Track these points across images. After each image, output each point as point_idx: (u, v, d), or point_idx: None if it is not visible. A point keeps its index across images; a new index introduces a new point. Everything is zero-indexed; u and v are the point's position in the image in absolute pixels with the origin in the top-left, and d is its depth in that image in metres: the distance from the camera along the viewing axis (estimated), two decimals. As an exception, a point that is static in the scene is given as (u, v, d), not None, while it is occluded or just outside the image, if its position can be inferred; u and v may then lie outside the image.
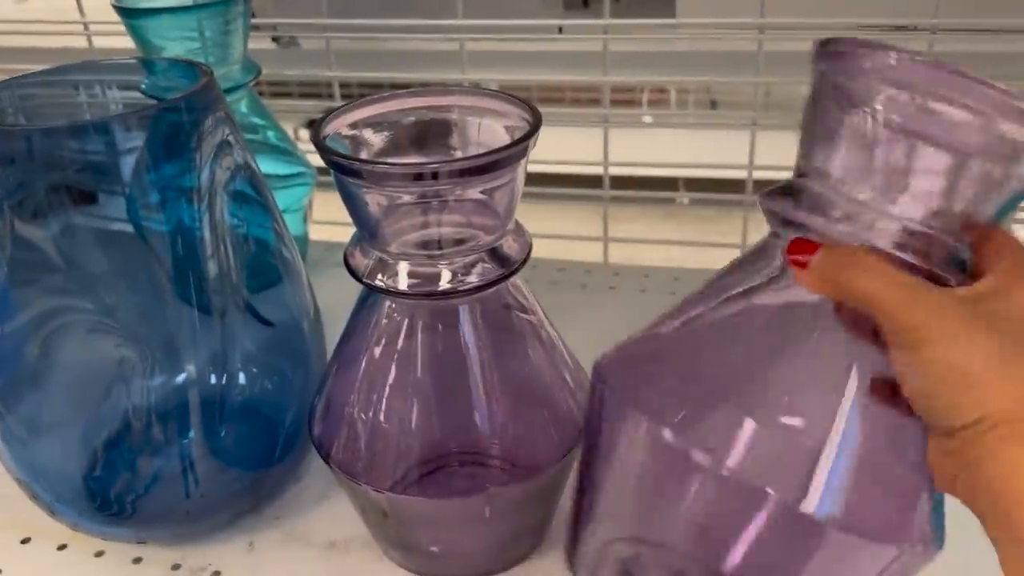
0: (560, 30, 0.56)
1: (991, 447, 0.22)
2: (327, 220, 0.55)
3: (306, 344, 0.39)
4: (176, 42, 0.48)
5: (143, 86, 0.39)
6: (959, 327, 0.22)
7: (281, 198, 0.54)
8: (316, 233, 0.57)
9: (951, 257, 0.24)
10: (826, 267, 0.23)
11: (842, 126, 0.23)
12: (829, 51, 0.24)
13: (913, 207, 0.23)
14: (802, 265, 0.24)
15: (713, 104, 1.91)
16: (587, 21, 0.53)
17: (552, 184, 0.60)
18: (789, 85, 0.53)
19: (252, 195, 0.37)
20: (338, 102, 0.58)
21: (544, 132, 0.29)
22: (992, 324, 0.22)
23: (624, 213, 0.64)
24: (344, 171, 0.28)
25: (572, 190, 0.60)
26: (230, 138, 0.34)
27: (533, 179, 0.36)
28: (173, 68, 0.38)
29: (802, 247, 0.24)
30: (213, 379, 0.35)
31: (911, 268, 0.23)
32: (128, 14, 0.47)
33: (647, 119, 1.24)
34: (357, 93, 0.61)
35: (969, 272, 0.24)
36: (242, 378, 0.38)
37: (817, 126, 0.24)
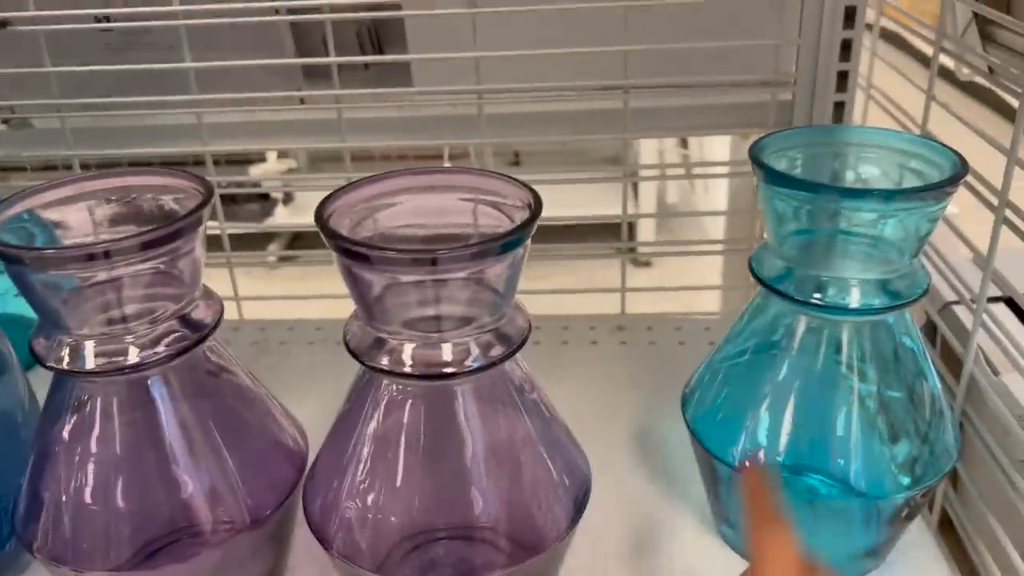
0: (302, 101, 0.59)
1: None
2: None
3: (22, 432, 0.39)
4: None
5: None
6: None
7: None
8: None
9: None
10: None
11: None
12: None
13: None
14: None
15: (516, 155, 2.00)
16: (324, 92, 0.56)
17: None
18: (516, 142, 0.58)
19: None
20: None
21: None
22: None
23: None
24: (10, 260, 0.29)
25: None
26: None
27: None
28: None
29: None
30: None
31: None
32: None
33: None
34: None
35: None
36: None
37: None
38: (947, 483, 0.45)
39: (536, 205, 0.29)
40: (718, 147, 1.55)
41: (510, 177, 0.30)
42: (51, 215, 0.32)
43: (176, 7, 0.52)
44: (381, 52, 0.66)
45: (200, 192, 0.31)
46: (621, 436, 0.46)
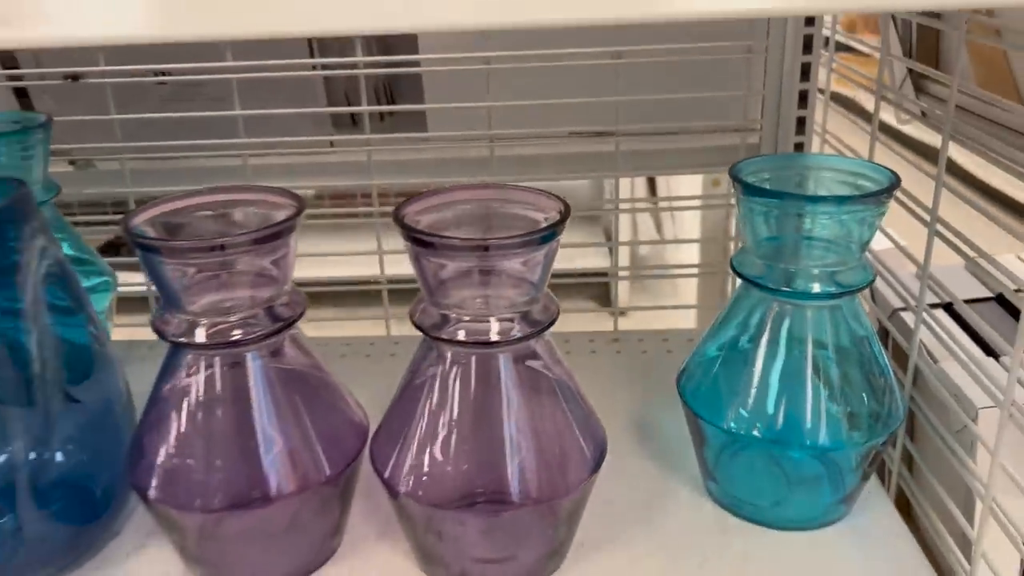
0: (332, 144, 0.67)
1: None
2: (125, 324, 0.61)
3: (118, 420, 0.45)
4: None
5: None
6: None
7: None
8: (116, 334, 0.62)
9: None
10: None
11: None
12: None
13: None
14: None
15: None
16: (354, 136, 0.64)
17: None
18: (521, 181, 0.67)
19: (71, 295, 0.43)
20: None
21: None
22: None
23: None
24: (149, 250, 0.36)
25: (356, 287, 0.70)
26: (48, 244, 0.41)
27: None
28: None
29: None
30: (36, 458, 0.40)
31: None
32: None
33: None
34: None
35: None
36: (60, 456, 0.43)
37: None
38: (902, 464, 0.53)
39: (566, 210, 0.37)
40: (686, 189, 1.66)
41: (546, 192, 0.38)
42: (170, 223, 0.39)
43: (228, 63, 0.60)
44: (393, 103, 0.74)
45: (294, 204, 0.39)
46: (622, 423, 0.53)
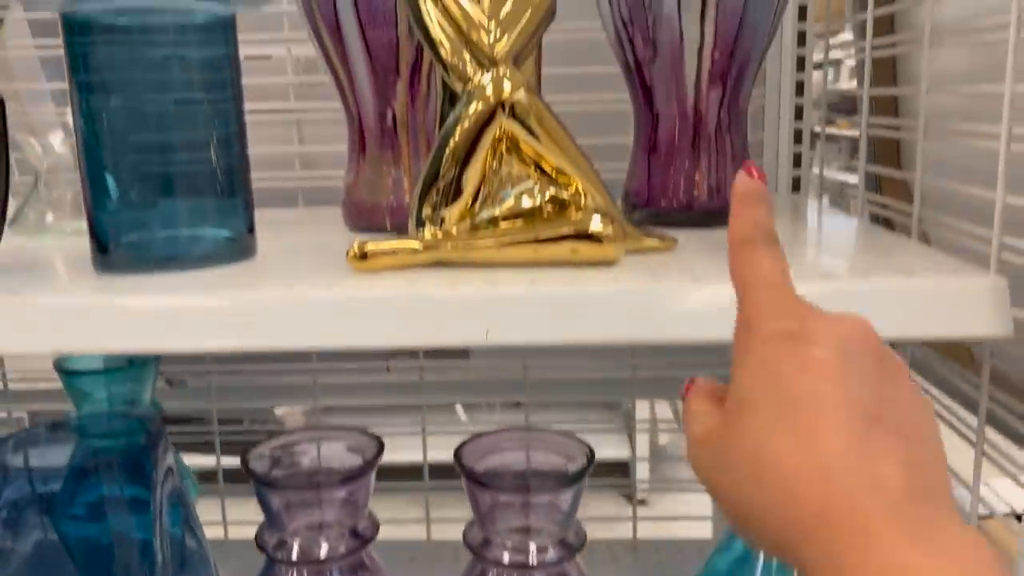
0: (388, 369, 0.78)
1: None
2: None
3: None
4: (101, 392, 0.64)
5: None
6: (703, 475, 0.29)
7: (171, 505, 0.68)
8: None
9: None
10: None
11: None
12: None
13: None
14: None
15: (517, 404, 2.18)
16: (408, 364, 0.75)
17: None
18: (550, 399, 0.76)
19: (182, 501, 0.53)
20: (215, 426, 0.75)
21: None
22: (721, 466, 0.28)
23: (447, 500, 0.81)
24: (262, 482, 0.45)
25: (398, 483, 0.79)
26: (173, 463, 0.51)
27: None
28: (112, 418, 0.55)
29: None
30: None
31: None
32: (68, 374, 0.63)
33: (463, 418, 1.47)
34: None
35: None
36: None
37: None
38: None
39: (591, 455, 0.47)
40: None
41: (576, 437, 0.48)
42: (278, 454, 0.49)
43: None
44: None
45: (375, 445, 0.49)
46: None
